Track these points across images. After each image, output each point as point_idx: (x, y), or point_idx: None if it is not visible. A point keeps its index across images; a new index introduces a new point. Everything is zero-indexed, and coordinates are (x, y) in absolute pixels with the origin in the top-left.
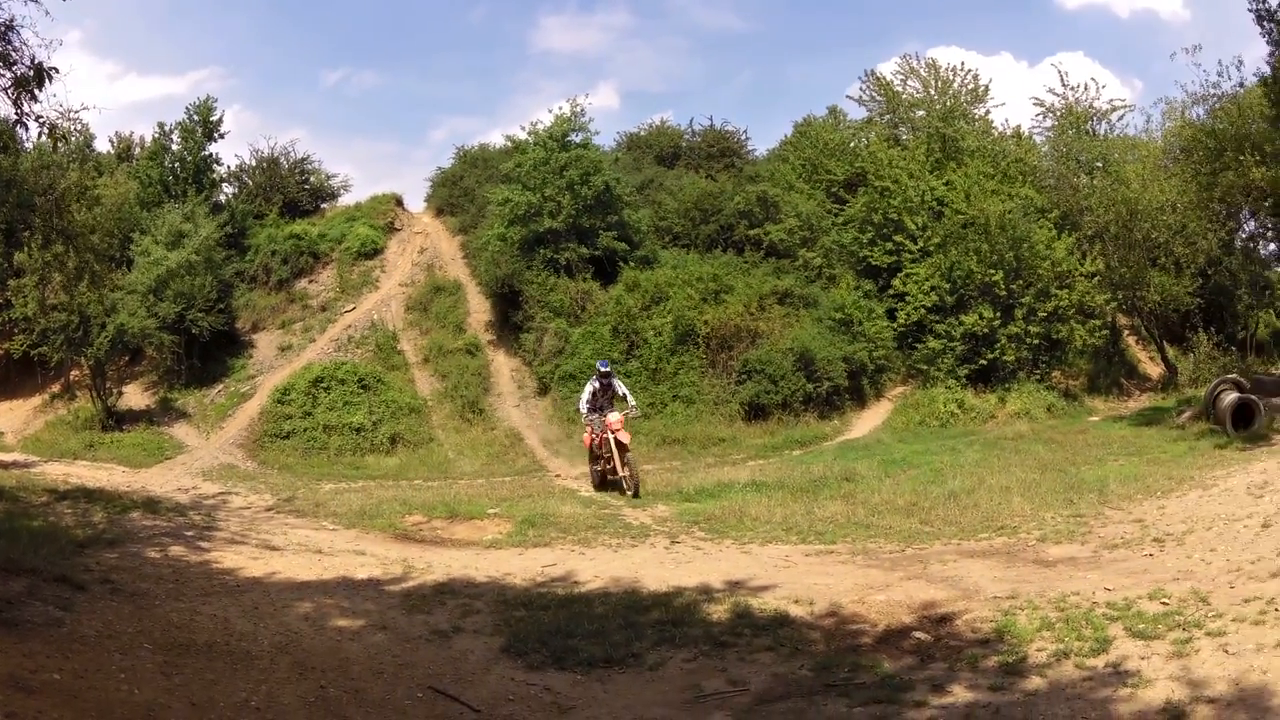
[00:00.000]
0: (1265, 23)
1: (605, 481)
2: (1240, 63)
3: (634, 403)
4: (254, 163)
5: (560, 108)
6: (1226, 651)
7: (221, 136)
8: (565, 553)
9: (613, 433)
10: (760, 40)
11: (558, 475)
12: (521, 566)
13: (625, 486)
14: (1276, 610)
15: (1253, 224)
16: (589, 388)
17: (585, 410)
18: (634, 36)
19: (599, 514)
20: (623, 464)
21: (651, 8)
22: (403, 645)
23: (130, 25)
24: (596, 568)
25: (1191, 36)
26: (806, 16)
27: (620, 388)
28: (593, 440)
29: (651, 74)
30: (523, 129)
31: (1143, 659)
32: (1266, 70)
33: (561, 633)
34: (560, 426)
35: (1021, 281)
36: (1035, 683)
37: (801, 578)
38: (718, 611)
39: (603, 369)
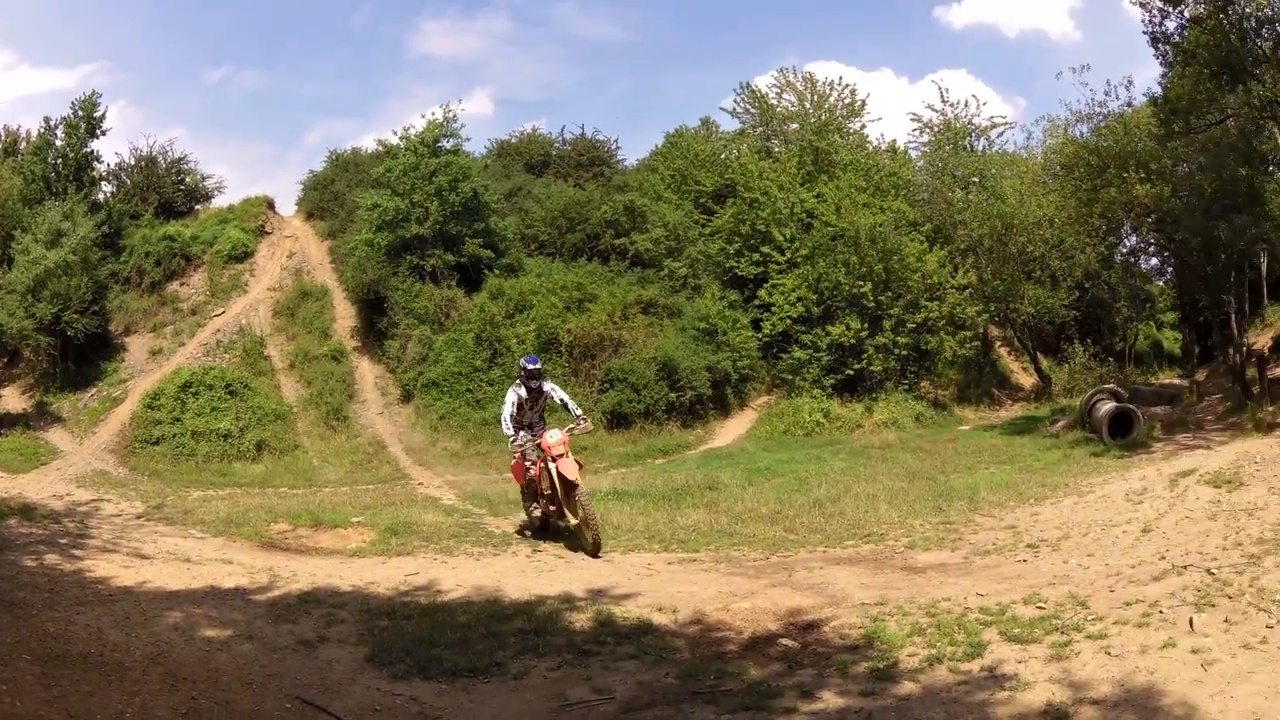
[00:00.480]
0: (1160, 45)
1: (548, 527)
2: (1130, 83)
3: (581, 413)
4: (133, 161)
5: (433, 113)
6: (1109, 654)
7: (103, 133)
8: (428, 561)
9: (553, 460)
10: (638, 51)
11: (420, 484)
12: (385, 575)
13: (583, 541)
14: (1161, 613)
15: (1134, 239)
16: (511, 395)
17: (509, 429)
18: (512, 44)
19: (461, 522)
20: (572, 508)
21: (532, 15)
22: (270, 655)
23: (32, 14)
24: (459, 576)
25: (1081, 57)
26: (686, 29)
27: (558, 393)
28: (525, 471)
29: (528, 82)
30: (395, 134)
31: (1020, 662)
32: (1158, 90)
33: (425, 642)
34: (424, 434)
35: (890, 293)
36: (908, 688)
37: (664, 586)
38: (580, 620)
39: (530, 366)
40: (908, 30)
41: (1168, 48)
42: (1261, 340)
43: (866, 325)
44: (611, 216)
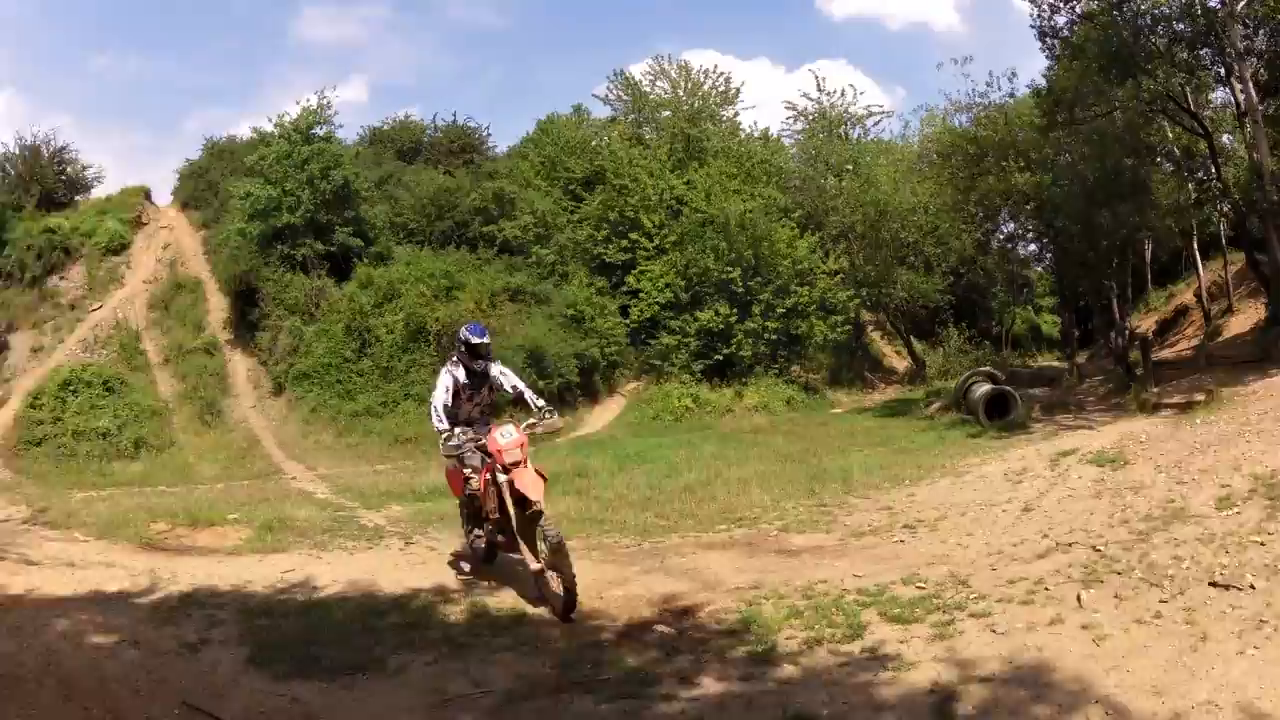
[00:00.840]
0: (1048, 39)
1: (494, 557)
2: (1014, 75)
3: (542, 403)
4: (18, 151)
5: (308, 100)
6: (994, 632)
7: None
8: (303, 558)
9: (504, 471)
10: (515, 38)
11: (294, 478)
12: (262, 574)
13: (546, 594)
14: (1047, 590)
15: (1012, 225)
16: (445, 379)
17: (441, 422)
18: (392, 30)
19: (334, 516)
20: (532, 541)
21: (412, 1)
22: (155, 660)
23: None
24: (334, 572)
25: (965, 50)
26: (565, 16)
27: (510, 379)
28: (465, 483)
29: (404, 68)
30: (270, 121)
31: (902, 643)
32: (1043, 83)
33: (304, 640)
34: (296, 427)
35: (760, 279)
36: (788, 671)
37: None
38: (455, 612)
39: (474, 338)
40: (788, 20)
41: (1055, 42)
42: (1145, 324)
43: (735, 311)
44: (480, 204)
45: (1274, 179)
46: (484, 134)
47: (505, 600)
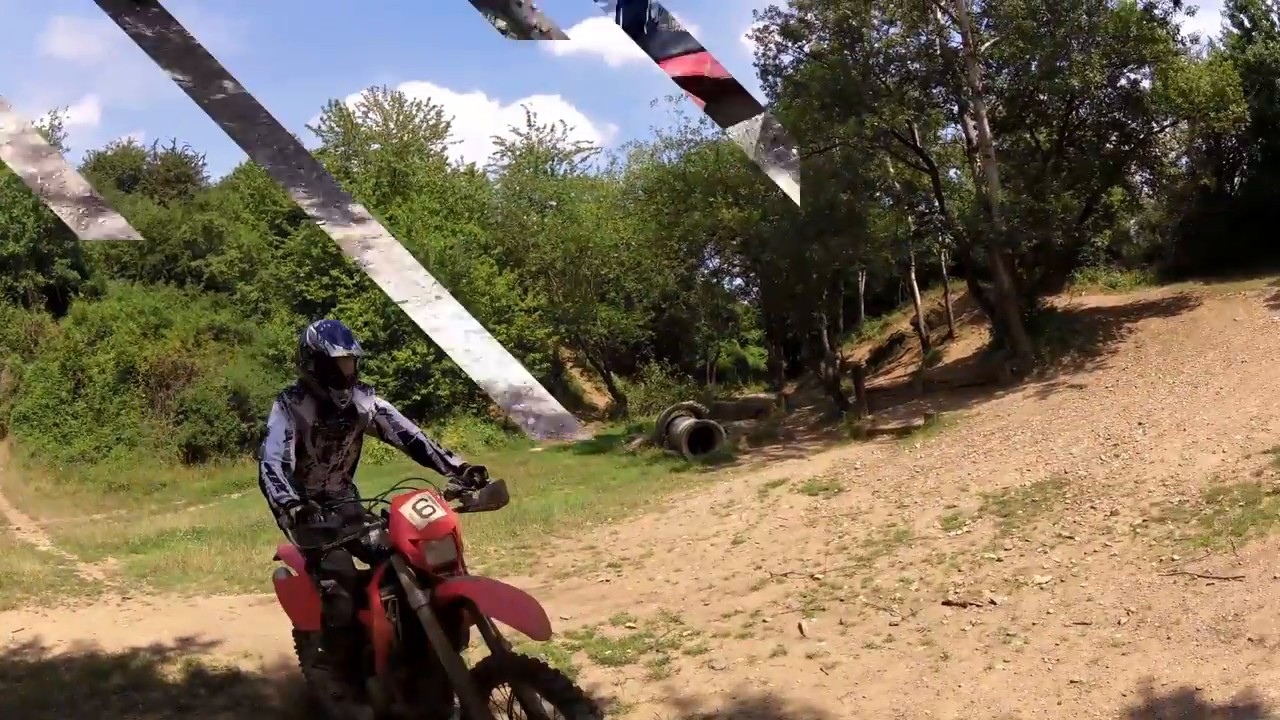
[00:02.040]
0: (770, 76)
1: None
2: None
3: (459, 461)
4: None
5: (41, 120)
6: (713, 668)
7: None
8: (31, 616)
9: (420, 580)
10: (245, 62)
11: (18, 528)
12: None
13: None
14: (765, 622)
15: (717, 260)
16: (281, 422)
17: (283, 491)
18: (128, 48)
19: (56, 570)
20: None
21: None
22: None
23: None
24: (60, 631)
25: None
26: (291, 43)
27: (395, 419)
28: (328, 605)
29: (136, 90)
30: None
31: (616, 685)
32: None
33: (39, 706)
34: (18, 473)
35: None
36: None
37: (247, 629)
38: (173, 672)
39: (334, 346)
40: (509, 55)
41: (779, 79)
42: (859, 353)
43: (433, 349)
44: (190, 237)
45: (1001, 210)
46: (199, 163)
47: (219, 658)
